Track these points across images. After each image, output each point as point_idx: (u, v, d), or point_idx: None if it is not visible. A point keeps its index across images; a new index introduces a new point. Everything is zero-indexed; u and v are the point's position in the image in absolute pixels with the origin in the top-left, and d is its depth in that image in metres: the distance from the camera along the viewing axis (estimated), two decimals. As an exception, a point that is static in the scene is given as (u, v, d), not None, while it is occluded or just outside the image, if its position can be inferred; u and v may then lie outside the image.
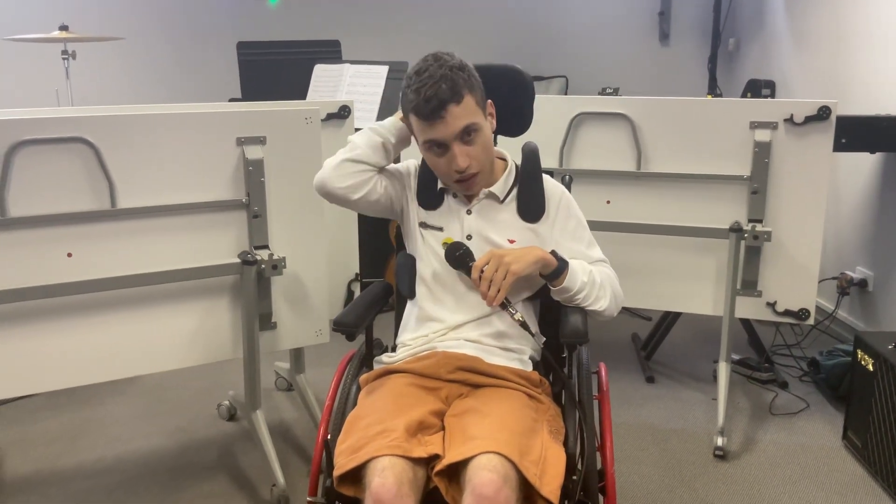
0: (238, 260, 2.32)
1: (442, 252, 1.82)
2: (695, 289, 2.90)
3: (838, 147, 2.81)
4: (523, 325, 1.75)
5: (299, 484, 2.45)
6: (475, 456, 1.44)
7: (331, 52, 4.27)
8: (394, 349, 1.92)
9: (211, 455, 2.71)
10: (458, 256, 1.78)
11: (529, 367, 1.81)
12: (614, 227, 2.84)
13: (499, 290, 1.70)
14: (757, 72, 4.68)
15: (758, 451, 2.70)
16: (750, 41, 4.95)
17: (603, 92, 4.26)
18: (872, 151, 3.36)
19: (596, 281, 1.81)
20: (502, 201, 1.85)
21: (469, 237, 1.83)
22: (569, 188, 1.97)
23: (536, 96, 1.93)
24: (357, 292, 2.94)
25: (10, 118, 2.07)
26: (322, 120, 2.61)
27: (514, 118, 1.89)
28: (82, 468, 2.63)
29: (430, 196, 1.88)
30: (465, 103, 1.68)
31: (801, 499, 2.43)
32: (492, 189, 1.84)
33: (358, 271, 2.97)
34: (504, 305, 1.74)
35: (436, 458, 1.50)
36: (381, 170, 1.87)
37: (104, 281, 2.19)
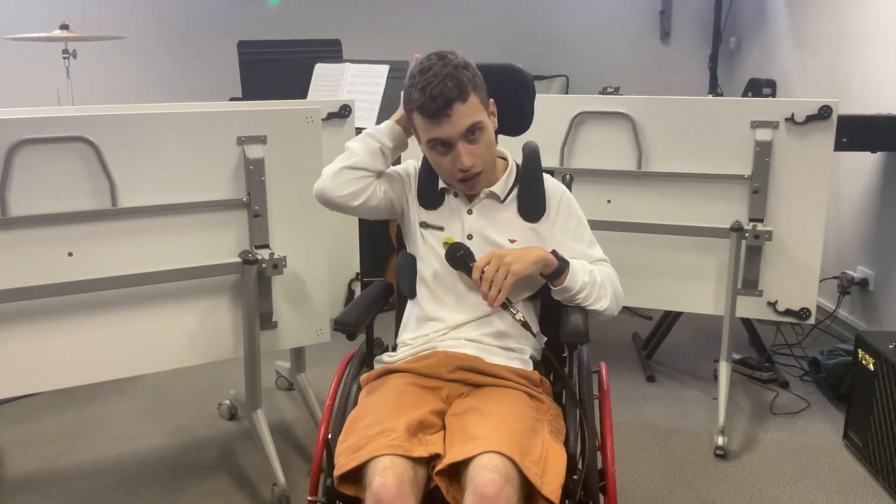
0: (239, 259, 2.32)
1: (442, 252, 1.82)
2: (695, 288, 2.90)
3: (839, 146, 2.80)
4: (525, 325, 1.75)
5: (300, 483, 2.45)
6: (476, 455, 1.44)
7: (331, 51, 4.27)
8: (394, 349, 1.92)
9: (212, 454, 2.71)
10: (459, 257, 1.78)
11: (530, 367, 1.81)
12: (615, 227, 2.84)
13: (500, 291, 1.70)
14: (758, 71, 4.68)
15: (758, 451, 2.70)
16: (751, 40, 4.95)
17: (604, 91, 4.27)
18: (873, 151, 3.36)
19: (597, 280, 1.81)
20: (503, 201, 1.85)
21: (470, 237, 1.83)
22: (569, 187, 1.97)
23: (537, 95, 1.92)
24: (358, 292, 2.94)
25: (10, 117, 2.07)
26: (323, 119, 2.61)
27: (515, 117, 1.89)
28: (83, 467, 2.63)
29: (430, 196, 1.88)
30: (470, 102, 1.68)
31: (801, 498, 2.43)
32: (492, 189, 1.84)
33: (358, 271, 2.97)
34: (505, 306, 1.75)
35: (436, 457, 1.50)
36: (380, 174, 1.87)
37: (105, 280, 2.19)
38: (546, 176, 1.90)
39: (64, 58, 3.86)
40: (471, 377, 1.73)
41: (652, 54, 5.33)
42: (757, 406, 3.02)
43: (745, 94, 4.40)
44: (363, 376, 1.82)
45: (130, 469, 2.62)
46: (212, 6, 4.99)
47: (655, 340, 3.49)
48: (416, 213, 1.89)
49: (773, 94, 4.32)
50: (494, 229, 1.83)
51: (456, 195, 1.86)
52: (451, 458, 1.47)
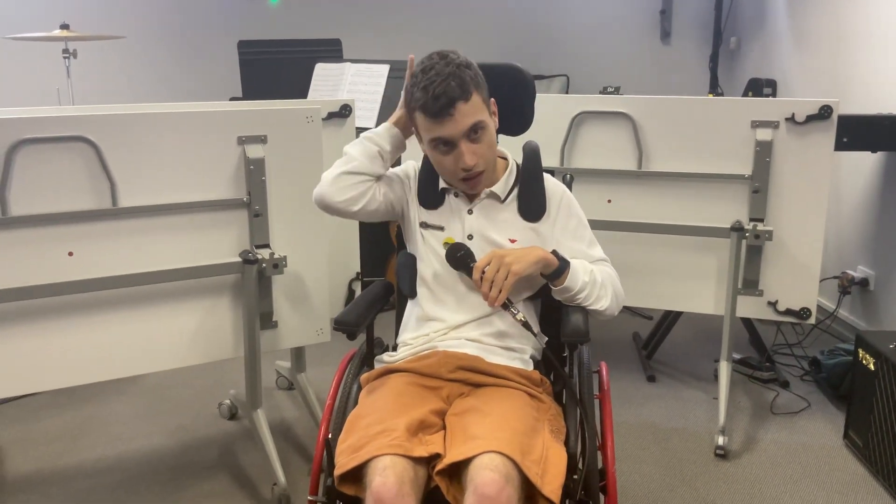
0: (239, 259, 2.32)
1: (443, 252, 1.81)
2: (696, 288, 2.90)
3: (839, 146, 2.80)
4: (525, 325, 1.75)
5: (300, 483, 2.45)
6: (477, 455, 1.43)
7: (332, 50, 4.27)
8: (394, 348, 1.92)
9: (212, 454, 2.71)
10: (460, 258, 1.78)
11: (530, 367, 1.81)
12: (615, 227, 2.84)
13: (500, 291, 1.70)
14: (758, 71, 4.68)
15: (759, 451, 2.69)
16: (751, 40, 4.94)
17: (604, 91, 4.27)
18: (874, 150, 3.36)
19: (597, 280, 1.81)
20: (503, 201, 1.85)
21: (470, 237, 1.83)
22: (570, 187, 1.97)
23: (537, 95, 1.92)
24: (358, 291, 2.94)
25: (11, 117, 2.07)
26: (323, 119, 2.61)
27: (515, 117, 1.89)
28: (83, 467, 2.63)
29: (431, 196, 1.88)
30: (472, 101, 1.69)
31: (802, 498, 2.43)
32: (493, 189, 1.84)
33: (359, 270, 2.97)
34: (506, 306, 1.75)
35: (437, 457, 1.50)
36: (379, 178, 1.87)
37: (105, 280, 2.19)
38: (546, 176, 1.90)
39: (64, 57, 3.86)
40: (471, 377, 1.73)
41: (652, 54, 5.33)
42: (757, 406, 3.02)
43: (745, 94, 4.41)
44: (363, 376, 1.82)
45: (131, 469, 2.62)
46: (212, 6, 4.99)
47: (656, 340, 3.49)
48: (416, 213, 1.89)
49: (774, 94, 4.33)
50: (495, 229, 1.83)
51: (456, 195, 1.86)
52: (451, 457, 1.47)
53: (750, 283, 2.80)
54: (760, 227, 2.71)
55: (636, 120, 2.83)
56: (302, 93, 3.92)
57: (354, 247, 2.96)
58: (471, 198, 1.85)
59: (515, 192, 1.86)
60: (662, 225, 2.85)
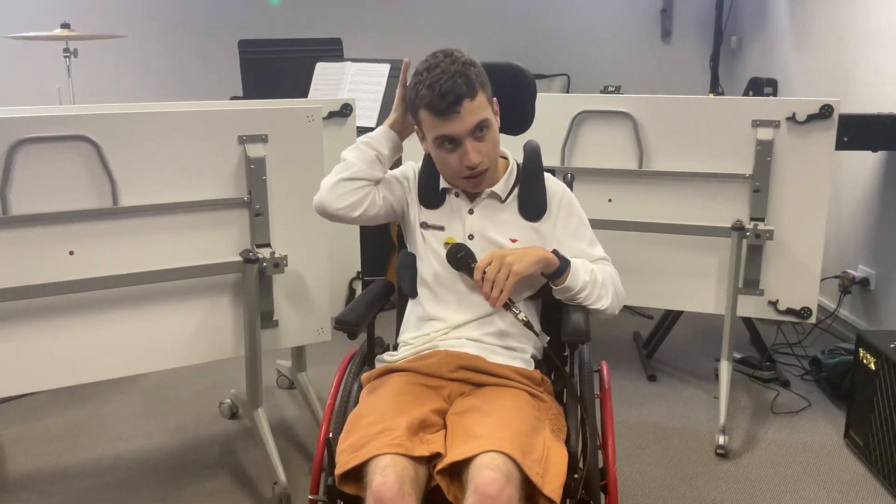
0: (240, 258, 2.32)
1: (443, 251, 1.81)
2: (696, 287, 2.90)
3: (840, 145, 2.80)
4: (527, 324, 1.75)
5: (301, 482, 2.45)
6: (478, 455, 1.44)
7: (332, 50, 4.27)
8: (395, 348, 1.92)
9: (212, 453, 2.71)
10: (460, 258, 1.78)
11: (531, 366, 1.81)
12: (616, 226, 2.84)
13: (501, 291, 1.70)
14: (759, 70, 4.68)
15: (759, 450, 2.70)
16: (752, 39, 4.94)
17: (605, 90, 4.26)
18: (874, 150, 3.36)
19: (598, 280, 1.81)
20: (504, 200, 1.85)
21: (471, 237, 1.83)
22: (570, 187, 1.97)
23: (538, 94, 1.92)
24: (358, 291, 2.94)
25: (11, 116, 2.07)
26: (324, 118, 2.60)
27: (516, 116, 1.89)
28: (84, 466, 2.64)
29: (431, 196, 1.88)
30: (478, 99, 1.69)
31: (802, 497, 2.43)
32: (493, 189, 1.84)
33: (359, 269, 2.97)
34: (507, 306, 1.75)
35: (437, 456, 1.50)
36: (378, 181, 1.87)
37: (106, 279, 2.19)
38: (547, 175, 1.89)
39: (65, 57, 3.86)
40: (472, 376, 1.73)
41: (653, 53, 5.33)
42: (758, 405, 3.02)
43: (746, 94, 4.41)
44: (364, 375, 1.82)
45: (131, 468, 2.62)
46: (213, 5, 4.99)
47: (656, 339, 3.49)
48: (416, 213, 1.89)
49: (775, 94, 4.33)
50: (495, 229, 1.83)
51: (457, 195, 1.86)
52: (452, 457, 1.47)
53: (750, 283, 2.80)
54: (761, 226, 2.71)
55: (637, 119, 2.83)
56: (303, 92, 3.92)
57: (355, 246, 2.96)
58: (471, 198, 1.85)
59: (516, 191, 1.86)
60: (663, 224, 2.85)
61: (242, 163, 2.32)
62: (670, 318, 3.45)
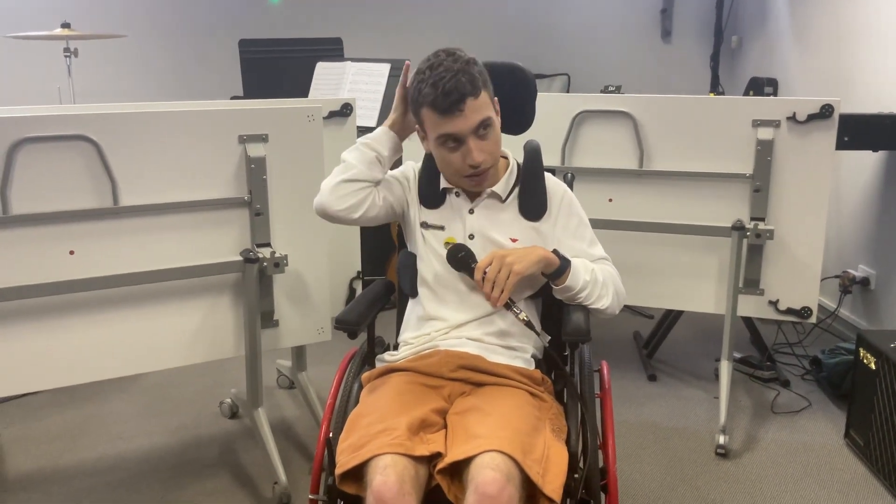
0: (240, 258, 2.32)
1: (443, 251, 1.81)
2: (697, 287, 2.90)
3: (841, 145, 2.80)
4: (528, 324, 1.75)
5: (301, 482, 2.45)
6: (478, 454, 1.44)
7: (333, 49, 4.27)
8: (396, 347, 1.92)
9: (213, 453, 2.71)
10: (461, 259, 1.78)
11: (532, 366, 1.81)
12: (616, 226, 2.84)
13: (502, 291, 1.70)
14: (759, 70, 4.67)
15: (759, 450, 2.69)
16: (752, 39, 4.94)
17: (605, 90, 4.26)
18: (875, 150, 3.36)
19: (598, 279, 1.81)
20: (504, 200, 1.85)
21: (471, 236, 1.83)
22: (571, 186, 1.97)
23: (538, 94, 1.92)
24: (359, 290, 2.94)
25: (12, 116, 2.07)
26: (324, 118, 2.60)
27: (516, 116, 1.89)
28: (84, 466, 2.64)
29: (432, 196, 1.88)
30: (481, 97, 1.69)
31: (802, 497, 2.43)
32: (494, 188, 1.84)
33: (360, 269, 2.97)
34: (508, 306, 1.75)
35: (438, 456, 1.50)
36: (378, 183, 1.87)
37: (106, 279, 2.19)
38: (547, 175, 1.89)
39: (65, 56, 3.86)
40: (472, 376, 1.73)
41: (653, 53, 5.33)
42: (758, 405, 3.02)
43: (746, 93, 4.40)
44: (364, 375, 1.82)
45: (131, 467, 2.62)
46: (213, 5, 4.99)
47: (657, 339, 3.48)
48: (416, 213, 1.89)
49: (775, 93, 4.32)
50: (496, 229, 1.83)
51: (457, 195, 1.86)
52: (452, 456, 1.47)
53: (751, 283, 2.80)
54: (761, 226, 2.71)
55: (637, 119, 2.83)
56: (303, 92, 3.92)
57: (355, 246, 2.96)
58: (472, 197, 1.85)
59: (516, 191, 1.86)
60: (663, 224, 2.85)
61: (243, 162, 2.32)
62: (671, 318, 3.45)
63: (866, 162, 3.52)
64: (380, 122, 1.92)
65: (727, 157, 2.75)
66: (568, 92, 5.11)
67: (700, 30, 5.21)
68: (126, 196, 2.19)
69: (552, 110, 2.87)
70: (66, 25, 3.73)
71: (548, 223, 1.85)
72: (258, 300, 2.37)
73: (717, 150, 2.77)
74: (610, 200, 2.92)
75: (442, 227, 1.85)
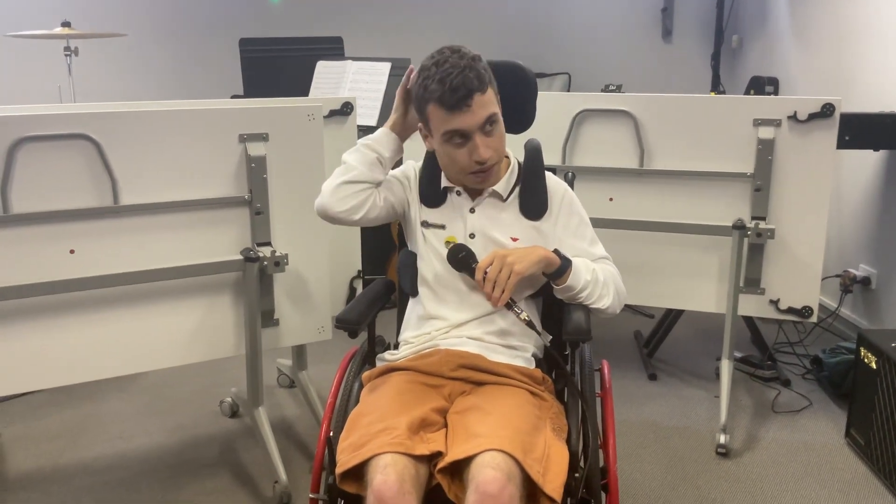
0: (240, 257, 2.32)
1: (444, 250, 1.81)
2: (697, 286, 2.89)
3: (842, 144, 2.80)
4: (529, 324, 1.75)
5: (301, 481, 2.45)
6: (479, 453, 1.43)
7: (333, 48, 4.27)
8: (396, 346, 1.92)
9: (213, 452, 2.71)
10: (461, 259, 1.78)
11: (532, 365, 1.81)
12: (617, 225, 2.84)
13: (503, 291, 1.70)
14: (760, 69, 4.67)
15: (760, 449, 2.69)
16: (753, 38, 4.94)
17: (606, 89, 4.25)
18: (876, 149, 3.36)
19: (599, 279, 1.80)
20: (505, 199, 1.85)
21: (472, 235, 1.82)
22: (571, 185, 1.97)
23: (539, 93, 1.92)
24: (359, 289, 2.94)
25: (12, 115, 2.07)
26: (325, 117, 2.60)
27: (517, 115, 1.88)
28: (84, 465, 2.64)
29: (432, 194, 1.88)
30: (487, 93, 1.69)
31: (803, 496, 2.43)
32: (495, 188, 1.83)
33: (360, 268, 2.97)
34: (509, 305, 1.75)
35: (438, 455, 1.50)
36: (378, 184, 1.86)
37: (106, 277, 2.19)
38: (548, 174, 1.89)
39: (66, 55, 3.86)
40: (473, 375, 1.73)
41: (654, 52, 5.33)
42: (759, 404, 3.02)
43: (747, 92, 4.40)
44: (365, 374, 1.82)
45: (131, 467, 2.62)
46: (214, 4, 4.99)
47: (657, 338, 3.48)
48: (417, 212, 1.89)
49: (776, 92, 4.32)
50: (497, 228, 1.83)
51: (458, 194, 1.86)
52: (453, 455, 1.47)
53: (752, 282, 2.80)
54: (762, 225, 2.70)
55: (638, 118, 2.83)
56: (303, 91, 3.92)
57: (356, 245, 2.96)
58: (473, 196, 1.85)
59: (517, 190, 1.86)
60: (664, 223, 2.85)
61: (243, 161, 2.32)
62: (671, 317, 3.44)
63: (867, 161, 3.52)
64: (380, 121, 1.92)
65: (728, 156, 2.75)
66: (569, 91, 5.11)
67: (701, 29, 5.20)
68: (126, 195, 2.19)
69: (553, 109, 2.87)
70: (66, 24, 3.73)
71: (548, 222, 1.85)
72: (258, 299, 2.36)
73: (717, 149, 2.76)
74: (610, 199, 2.92)
75: (443, 226, 1.85)
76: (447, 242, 1.83)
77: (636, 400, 3.06)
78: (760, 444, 2.72)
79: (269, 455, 2.41)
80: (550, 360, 1.87)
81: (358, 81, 3.83)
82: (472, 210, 1.84)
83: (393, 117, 1.87)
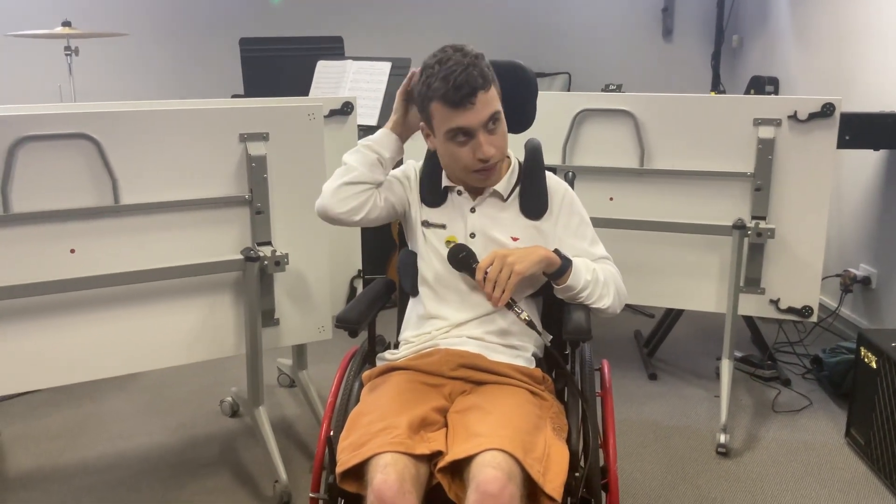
0: (241, 256, 2.32)
1: (444, 250, 1.81)
2: (698, 286, 2.89)
3: (842, 144, 2.80)
4: (530, 324, 1.75)
5: (302, 480, 2.45)
6: (479, 453, 1.43)
7: (333, 48, 4.27)
8: (396, 346, 1.92)
9: (213, 451, 2.71)
10: (462, 259, 1.78)
11: (533, 364, 1.81)
12: (617, 224, 2.84)
13: (503, 291, 1.70)
14: (760, 68, 4.67)
15: (760, 449, 2.69)
16: (753, 38, 4.94)
17: (606, 88, 4.26)
18: (876, 148, 3.36)
19: (599, 279, 1.80)
20: (506, 199, 1.85)
21: (472, 235, 1.82)
22: (572, 185, 1.97)
23: (539, 93, 1.92)
24: (359, 289, 2.94)
25: (13, 114, 2.07)
26: (325, 116, 2.60)
27: (517, 115, 1.88)
28: (84, 464, 2.64)
29: (433, 194, 1.88)
30: (491, 91, 1.70)
31: (803, 496, 2.43)
32: (496, 187, 1.83)
33: (360, 268, 2.97)
34: (510, 305, 1.75)
35: (438, 454, 1.50)
36: (379, 185, 1.86)
37: (107, 277, 2.19)
38: (548, 173, 1.89)
39: (66, 55, 3.86)
40: (473, 374, 1.73)
41: (654, 52, 5.33)
42: (759, 404, 3.02)
43: (747, 92, 4.40)
44: (365, 373, 1.82)
45: (132, 466, 2.62)
46: (214, 3, 4.99)
47: (657, 338, 3.48)
48: (417, 212, 1.89)
49: (776, 92, 4.32)
50: (497, 227, 1.83)
51: (459, 193, 1.86)
52: (453, 455, 1.47)
53: (752, 281, 2.80)
54: (762, 224, 2.70)
55: (638, 118, 2.83)
56: (304, 90, 3.92)
57: (356, 244, 2.96)
58: (474, 196, 1.85)
59: (517, 190, 1.86)
60: (664, 223, 2.85)
61: (243, 161, 2.32)
62: (671, 317, 3.44)
63: (867, 161, 3.52)
64: (381, 121, 1.92)
65: (728, 155, 2.75)
66: (569, 91, 5.11)
67: (701, 28, 5.20)
68: (127, 194, 2.19)
69: (553, 109, 2.87)
70: (66, 24, 3.73)
71: (549, 222, 1.85)
72: (259, 299, 2.37)
73: (718, 148, 2.76)
74: (611, 199, 2.92)
75: (443, 226, 1.85)
76: (448, 242, 1.83)
77: (636, 399, 3.06)
78: (761, 444, 2.72)
79: (269, 454, 2.41)
80: (551, 360, 1.87)
81: (358, 81, 3.83)
82: (472, 210, 1.84)
83: (393, 118, 1.87)
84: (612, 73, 4.83)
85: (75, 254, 2.16)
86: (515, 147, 1.92)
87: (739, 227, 2.69)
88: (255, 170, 2.33)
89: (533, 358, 1.83)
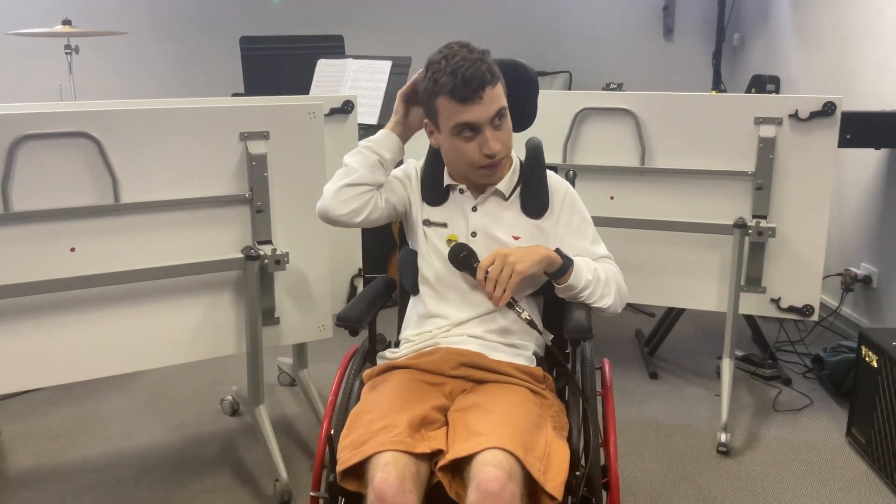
0: (241, 255, 2.32)
1: (445, 249, 1.81)
2: (699, 285, 2.89)
3: (843, 143, 2.80)
4: (531, 323, 1.75)
5: (302, 479, 2.45)
6: (480, 452, 1.43)
7: (334, 46, 4.26)
8: (397, 345, 1.92)
9: (213, 450, 2.71)
10: (463, 258, 1.77)
11: (533, 363, 1.81)
12: (618, 223, 2.84)
13: (504, 290, 1.70)
14: (761, 67, 4.67)
15: (761, 448, 2.69)
16: (754, 36, 4.94)
17: (607, 87, 4.25)
18: (877, 147, 3.35)
19: (600, 278, 1.80)
20: (507, 198, 1.85)
21: (474, 234, 1.82)
22: (573, 184, 1.97)
23: (540, 91, 1.92)
24: (360, 288, 2.94)
25: (13, 113, 2.07)
26: (325, 115, 2.60)
27: (518, 114, 1.88)
28: (85, 463, 2.64)
29: (435, 192, 1.88)
30: (497, 87, 1.70)
31: (804, 495, 2.43)
32: (498, 186, 1.83)
33: (361, 266, 2.96)
34: (510, 305, 1.74)
35: (439, 453, 1.50)
36: (380, 186, 1.86)
37: (107, 276, 2.19)
38: (549, 172, 1.89)
39: (66, 53, 3.86)
40: (473, 373, 1.73)
41: (655, 50, 5.32)
42: (760, 403, 3.02)
43: (748, 91, 4.40)
44: (366, 372, 1.82)
45: (132, 465, 2.62)
46: (214, 2, 4.99)
47: (658, 337, 3.48)
48: (419, 211, 1.88)
49: (777, 91, 4.31)
50: (498, 226, 1.82)
51: (461, 192, 1.86)
52: (454, 453, 1.47)
53: (753, 280, 2.80)
54: (763, 223, 2.70)
55: (639, 116, 2.82)
56: (304, 89, 3.91)
57: (356, 243, 2.96)
58: (476, 195, 1.85)
59: (519, 189, 1.85)
60: (665, 222, 2.85)
61: (244, 159, 2.32)
62: (672, 316, 3.44)
63: (868, 160, 3.51)
64: (381, 120, 1.92)
65: (729, 154, 2.75)
66: (569, 89, 5.11)
67: (702, 27, 5.20)
68: (127, 193, 2.19)
69: (554, 108, 2.87)
70: (66, 22, 3.73)
71: (550, 221, 1.85)
72: (259, 297, 2.36)
73: (718, 147, 2.76)
74: (611, 198, 2.92)
75: (444, 225, 1.85)
76: (449, 241, 1.82)
77: (637, 398, 3.06)
78: (761, 443, 2.72)
79: (269, 453, 2.41)
80: (551, 359, 1.86)
81: (359, 80, 3.83)
82: (474, 208, 1.84)
83: (394, 119, 1.87)
84: (612, 72, 4.82)
85: (76, 252, 2.16)
86: (516, 146, 1.91)
87: (740, 225, 2.69)
88: (256, 168, 2.33)
89: (534, 357, 1.83)
